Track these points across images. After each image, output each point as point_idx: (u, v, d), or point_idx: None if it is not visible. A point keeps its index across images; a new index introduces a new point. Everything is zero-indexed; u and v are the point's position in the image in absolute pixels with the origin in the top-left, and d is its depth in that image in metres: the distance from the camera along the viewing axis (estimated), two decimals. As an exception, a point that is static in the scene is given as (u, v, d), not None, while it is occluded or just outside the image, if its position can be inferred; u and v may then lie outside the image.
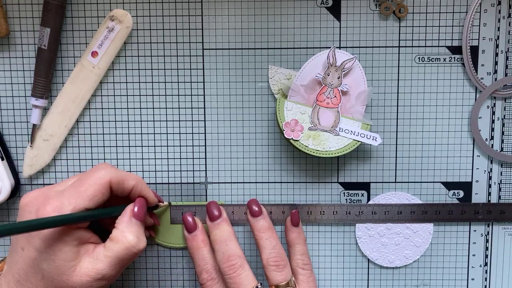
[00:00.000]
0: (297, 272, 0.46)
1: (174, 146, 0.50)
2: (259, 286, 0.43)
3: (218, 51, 0.48)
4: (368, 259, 0.51)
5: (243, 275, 0.43)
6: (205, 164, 0.50)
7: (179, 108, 0.49)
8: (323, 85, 0.46)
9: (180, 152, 0.50)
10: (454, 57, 0.48)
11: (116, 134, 0.49)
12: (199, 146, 0.50)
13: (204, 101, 0.49)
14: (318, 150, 0.46)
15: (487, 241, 0.51)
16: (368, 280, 0.51)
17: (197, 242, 0.47)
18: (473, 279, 0.51)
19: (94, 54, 0.47)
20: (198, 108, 0.49)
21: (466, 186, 0.50)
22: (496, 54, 0.48)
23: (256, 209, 0.46)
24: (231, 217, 0.49)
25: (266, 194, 0.50)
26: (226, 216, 0.47)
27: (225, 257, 0.44)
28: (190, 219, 0.48)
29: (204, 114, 0.49)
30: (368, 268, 0.51)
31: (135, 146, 0.50)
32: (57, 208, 0.39)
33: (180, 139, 0.50)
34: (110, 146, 0.50)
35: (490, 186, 0.50)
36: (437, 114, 0.49)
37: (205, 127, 0.49)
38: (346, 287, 0.51)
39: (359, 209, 0.50)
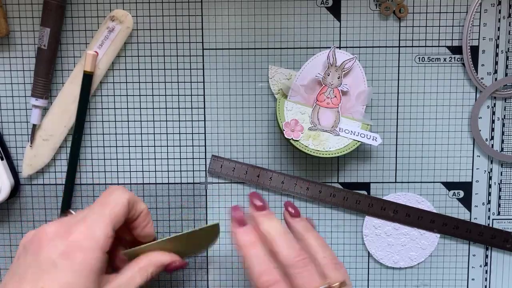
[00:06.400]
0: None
1: (174, 146, 0.50)
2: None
3: (218, 51, 0.48)
4: (369, 258, 0.51)
5: (313, 270, 0.38)
6: (205, 164, 0.50)
7: (179, 108, 0.49)
8: (323, 85, 0.46)
9: (180, 152, 0.50)
10: (454, 57, 0.48)
11: (116, 134, 0.49)
12: (199, 146, 0.50)
13: (204, 101, 0.49)
14: (318, 150, 0.46)
15: (487, 241, 0.51)
16: (368, 280, 0.51)
17: (251, 237, 0.39)
18: (473, 279, 0.51)
19: (94, 54, 0.47)
20: (198, 108, 0.49)
21: (466, 186, 0.50)
22: (496, 54, 0.48)
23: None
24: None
25: (266, 195, 0.50)
26: None
27: (296, 251, 0.38)
28: (240, 210, 0.41)
29: (204, 114, 0.49)
30: (368, 268, 0.51)
31: (135, 146, 0.50)
32: (87, 233, 0.38)
33: (180, 139, 0.50)
34: (110, 146, 0.50)
35: (490, 186, 0.50)
36: (437, 114, 0.49)
37: (205, 127, 0.49)
38: (346, 287, 0.51)
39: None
